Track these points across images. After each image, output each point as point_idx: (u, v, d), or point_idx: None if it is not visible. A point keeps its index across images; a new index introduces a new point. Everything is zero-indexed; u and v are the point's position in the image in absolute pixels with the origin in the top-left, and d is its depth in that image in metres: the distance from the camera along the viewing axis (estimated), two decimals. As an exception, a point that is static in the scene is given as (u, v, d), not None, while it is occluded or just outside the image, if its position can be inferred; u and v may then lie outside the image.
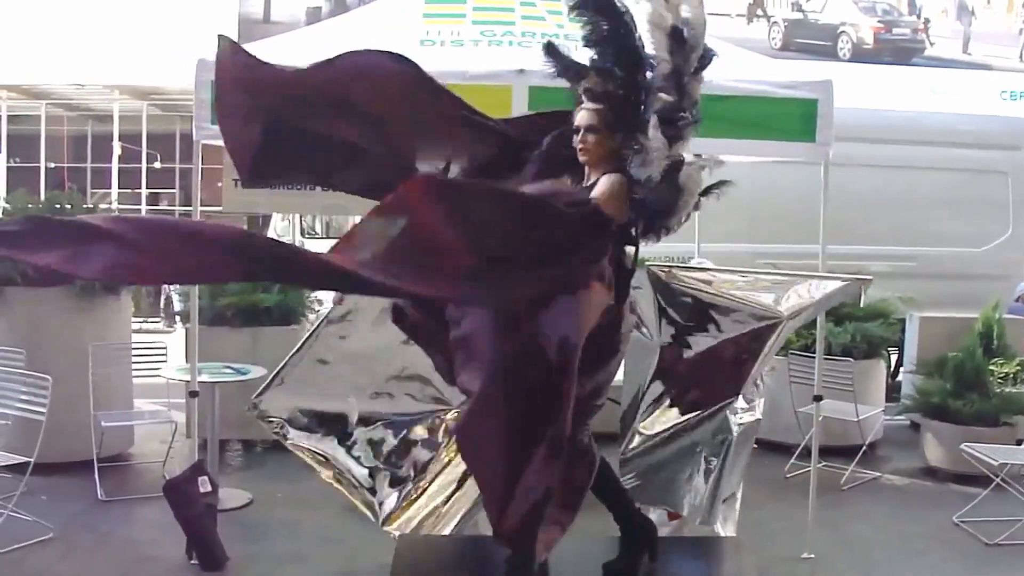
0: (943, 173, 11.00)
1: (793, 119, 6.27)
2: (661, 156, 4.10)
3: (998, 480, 7.15)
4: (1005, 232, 11.20)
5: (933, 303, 9.95)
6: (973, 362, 8.59)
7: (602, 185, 4.16)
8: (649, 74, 4.21)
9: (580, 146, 4.27)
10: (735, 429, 5.26)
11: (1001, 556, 6.72)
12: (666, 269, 5.39)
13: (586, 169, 4.34)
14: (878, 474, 8.53)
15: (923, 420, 8.80)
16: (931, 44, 18.75)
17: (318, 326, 5.52)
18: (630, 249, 4.27)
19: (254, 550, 6.19)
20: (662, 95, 4.18)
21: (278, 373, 5.47)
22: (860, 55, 18.05)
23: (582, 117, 4.27)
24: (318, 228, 18.17)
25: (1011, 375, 8.85)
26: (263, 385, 5.54)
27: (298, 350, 5.47)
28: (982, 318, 9.17)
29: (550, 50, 4.50)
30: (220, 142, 6.82)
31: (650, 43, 4.21)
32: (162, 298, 19.16)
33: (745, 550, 5.13)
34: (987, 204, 11.12)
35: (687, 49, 4.22)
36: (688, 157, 4.19)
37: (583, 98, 4.32)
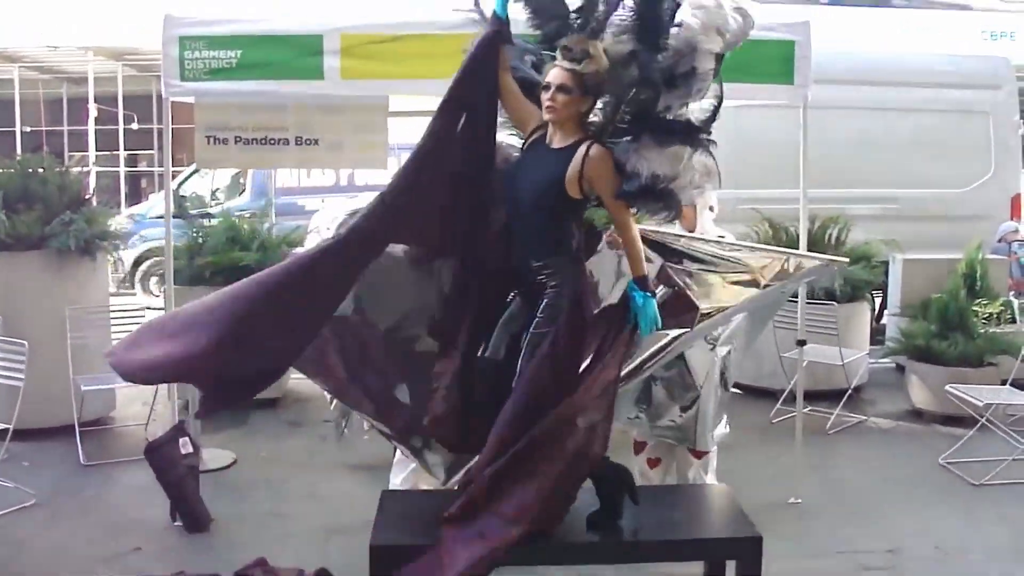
0: (925, 114, 10.94)
1: (771, 61, 6.19)
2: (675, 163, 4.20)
3: (983, 420, 7.14)
4: (987, 172, 11.14)
5: (916, 245, 9.90)
6: (957, 303, 8.60)
7: (597, 169, 4.17)
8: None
9: (548, 103, 4.20)
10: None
11: (988, 496, 6.72)
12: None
13: (550, 125, 4.29)
14: (864, 417, 8.51)
15: (908, 362, 8.80)
16: (912, -16, 18.61)
17: None
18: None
19: (239, 510, 6.16)
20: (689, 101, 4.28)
21: None
22: (840, -3, 17.89)
23: (555, 75, 4.18)
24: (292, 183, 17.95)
25: (995, 315, 8.82)
26: None
27: None
28: (965, 259, 9.12)
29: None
30: (191, 99, 6.78)
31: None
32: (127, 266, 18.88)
33: (731, 496, 5.06)
34: (969, 145, 11.05)
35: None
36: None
37: (560, 54, 4.21)
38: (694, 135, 4.26)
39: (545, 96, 4.20)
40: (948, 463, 7.24)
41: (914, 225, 10.35)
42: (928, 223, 10.53)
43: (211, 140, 6.68)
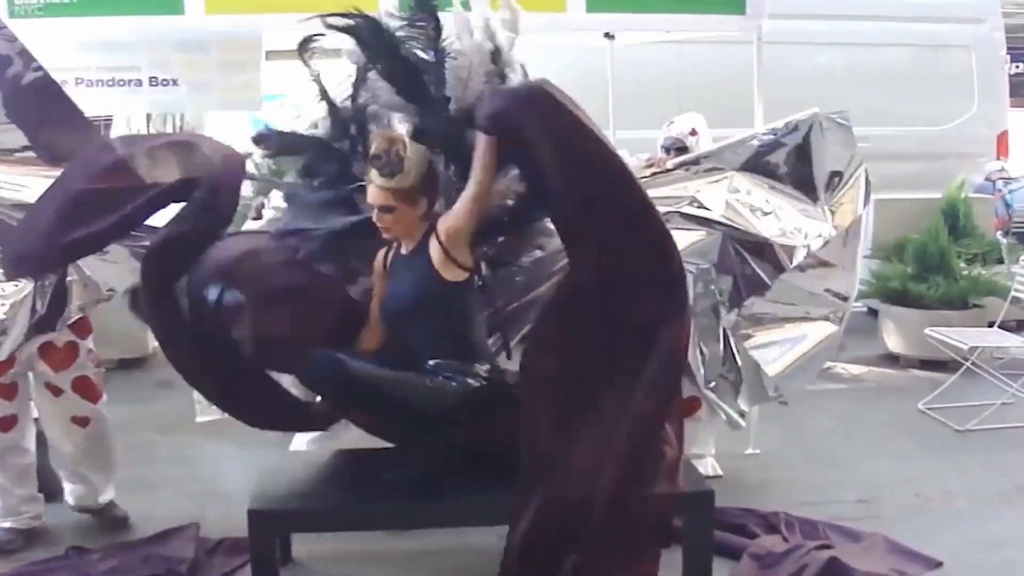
0: (898, 49, 10.20)
1: None
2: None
3: (968, 364, 6.49)
4: (970, 110, 10.35)
5: (892, 185, 9.12)
6: (937, 244, 7.98)
7: (447, 223, 3.78)
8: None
9: (381, 225, 3.77)
10: None
11: (973, 441, 6.05)
12: None
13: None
14: (831, 363, 7.68)
15: (882, 306, 8.16)
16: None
17: None
18: None
19: (99, 478, 5.25)
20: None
21: None
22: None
23: (374, 196, 3.71)
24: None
25: (980, 255, 8.16)
26: None
27: None
28: (946, 198, 8.52)
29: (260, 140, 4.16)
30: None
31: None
32: None
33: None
34: (948, 81, 10.28)
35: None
36: None
37: (371, 168, 3.70)
38: None
39: (375, 217, 3.77)
40: (929, 408, 6.53)
41: (888, 164, 9.53)
42: (905, 162, 9.73)
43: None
